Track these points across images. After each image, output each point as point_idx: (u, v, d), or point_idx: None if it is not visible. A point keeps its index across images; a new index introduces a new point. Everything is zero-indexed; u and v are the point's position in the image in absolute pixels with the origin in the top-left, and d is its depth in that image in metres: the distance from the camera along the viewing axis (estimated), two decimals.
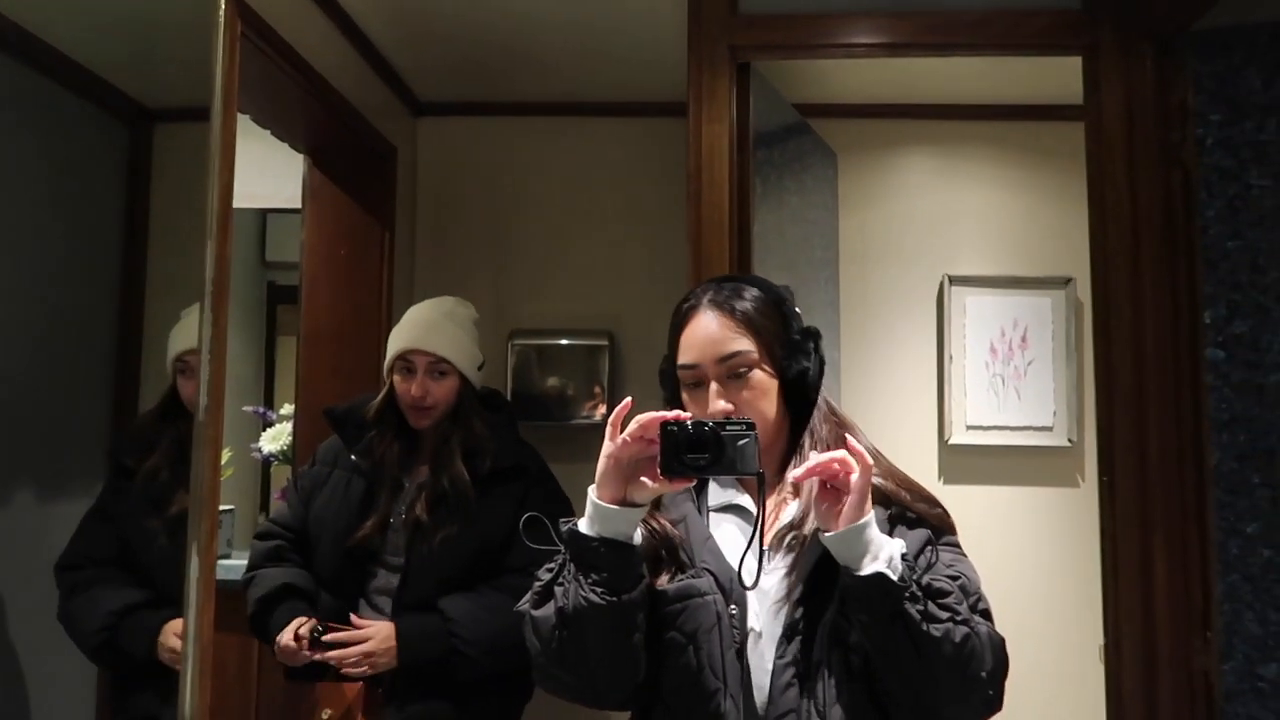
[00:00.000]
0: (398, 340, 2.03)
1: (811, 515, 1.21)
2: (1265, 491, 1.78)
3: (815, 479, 1.13)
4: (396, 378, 2.02)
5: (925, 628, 1.09)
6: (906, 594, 1.09)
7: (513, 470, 2.00)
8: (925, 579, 1.12)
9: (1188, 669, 1.89)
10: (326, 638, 1.84)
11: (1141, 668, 1.92)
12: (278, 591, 1.92)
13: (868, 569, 1.09)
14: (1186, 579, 1.90)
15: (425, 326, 2.04)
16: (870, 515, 1.11)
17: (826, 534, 1.12)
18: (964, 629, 1.11)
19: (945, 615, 1.11)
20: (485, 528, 1.94)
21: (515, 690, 2.01)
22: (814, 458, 1.13)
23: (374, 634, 1.87)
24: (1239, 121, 1.85)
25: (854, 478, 1.10)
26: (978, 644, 1.12)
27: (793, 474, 1.14)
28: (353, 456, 2.01)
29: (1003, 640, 1.17)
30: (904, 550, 1.13)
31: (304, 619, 1.87)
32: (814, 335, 1.31)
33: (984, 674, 1.13)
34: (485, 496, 1.96)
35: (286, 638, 1.84)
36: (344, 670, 1.86)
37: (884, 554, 1.11)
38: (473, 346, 2.09)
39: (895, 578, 1.09)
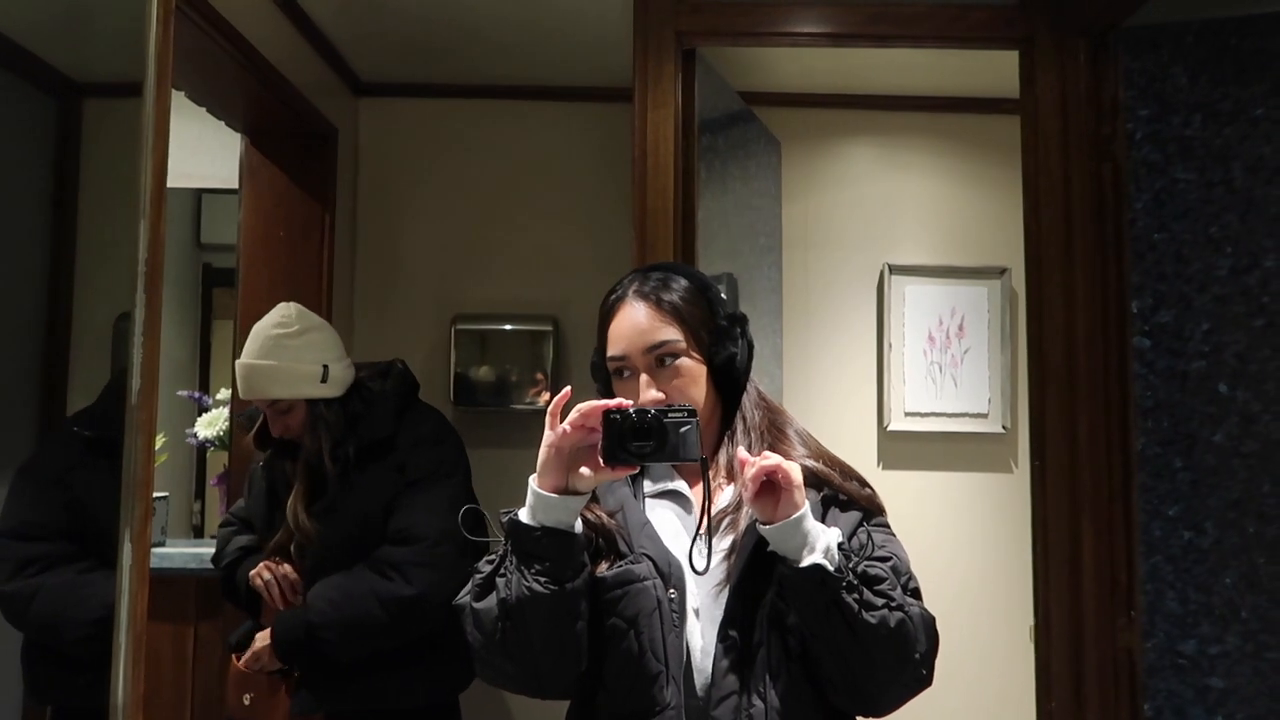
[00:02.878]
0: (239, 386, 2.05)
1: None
2: (1186, 475, 1.84)
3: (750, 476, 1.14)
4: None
5: (862, 615, 1.11)
6: (843, 584, 1.11)
7: (383, 442, 1.99)
8: (861, 566, 1.14)
9: (1112, 647, 1.96)
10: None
11: (1069, 646, 1.98)
12: (238, 555, 2.06)
13: (805, 561, 1.11)
14: (1112, 560, 1.97)
15: (248, 373, 1.98)
16: (806, 507, 1.12)
17: (764, 526, 1.14)
18: (899, 614, 1.14)
19: (881, 602, 1.13)
20: (360, 505, 1.95)
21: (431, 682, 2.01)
22: (749, 467, 1.13)
23: (263, 636, 1.94)
24: (1166, 117, 1.91)
25: (793, 474, 1.12)
26: (911, 627, 1.15)
27: (739, 483, 1.15)
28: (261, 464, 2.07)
29: (933, 619, 1.20)
30: (840, 539, 1.15)
31: (271, 565, 1.99)
32: (741, 320, 1.33)
33: (918, 655, 1.16)
34: (361, 474, 1.97)
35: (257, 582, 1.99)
36: (244, 667, 1.97)
37: (820, 544, 1.12)
38: (305, 364, 1.98)
39: (832, 569, 1.11)
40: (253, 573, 1.99)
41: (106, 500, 1.61)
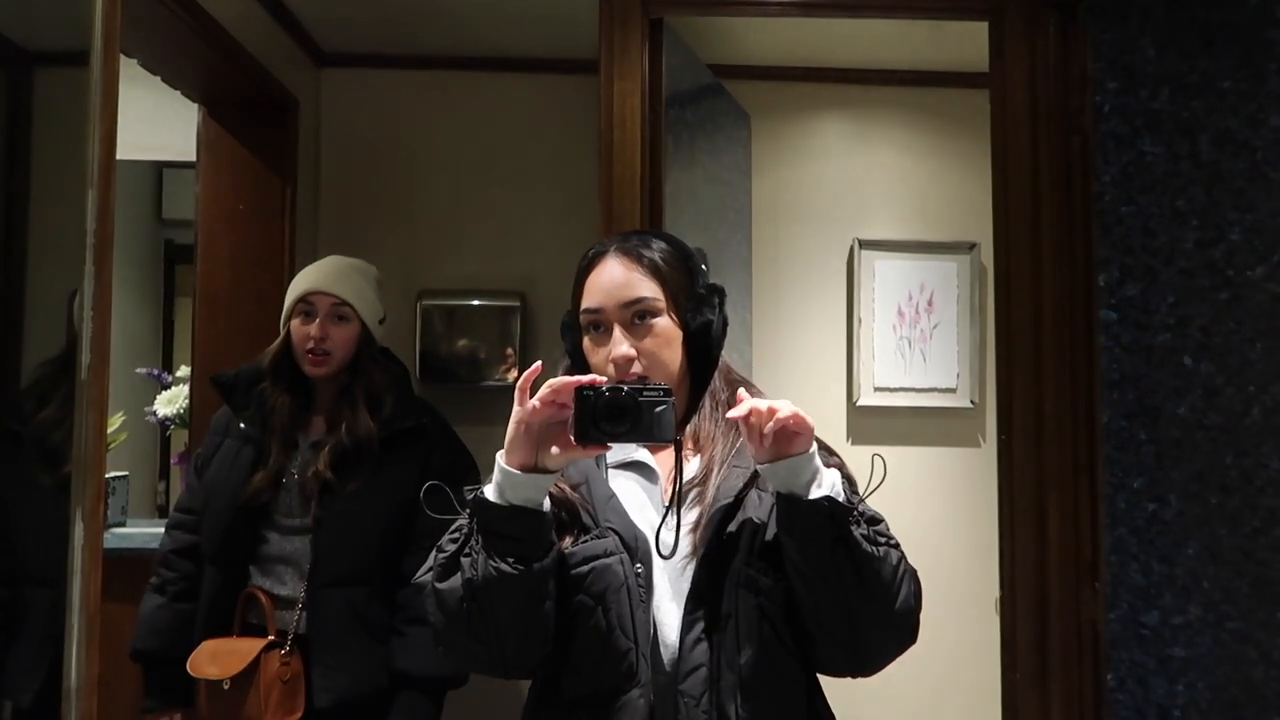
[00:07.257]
0: (299, 284, 2.00)
1: (715, 473, 1.22)
2: (1151, 448, 1.85)
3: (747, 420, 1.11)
4: (295, 322, 1.97)
5: (868, 549, 1.12)
6: (851, 516, 1.12)
7: (414, 431, 1.96)
8: (861, 506, 1.16)
9: (1077, 618, 1.97)
10: None
11: (1034, 618, 2.00)
12: (145, 654, 1.98)
13: (814, 494, 1.11)
14: (1077, 533, 1.98)
15: (328, 271, 2.03)
16: (814, 446, 1.12)
17: (768, 464, 1.11)
18: (898, 553, 1.16)
19: (883, 540, 1.15)
20: (394, 487, 1.90)
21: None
22: (760, 417, 1.10)
23: None
24: (1134, 89, 1.90)
25: (806, 418, 1.11)
26: (907, 568, 1.17)
27: (744, 408, 1.10)
28: (241, 425, 1.95)
29: (916, 573, 1.21)
30: (840, 480, 1.16)
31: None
32: (719, 292, 1.31)
33: (914, 600, 1.17)
34: (388, 455, 1.92)
35: None
36: None
37: (827, 481, 1.13)
38: (375, 299, 2.07)
39: (842, 500, 1.12)
40: None
41: (15, 494, 1.56)
